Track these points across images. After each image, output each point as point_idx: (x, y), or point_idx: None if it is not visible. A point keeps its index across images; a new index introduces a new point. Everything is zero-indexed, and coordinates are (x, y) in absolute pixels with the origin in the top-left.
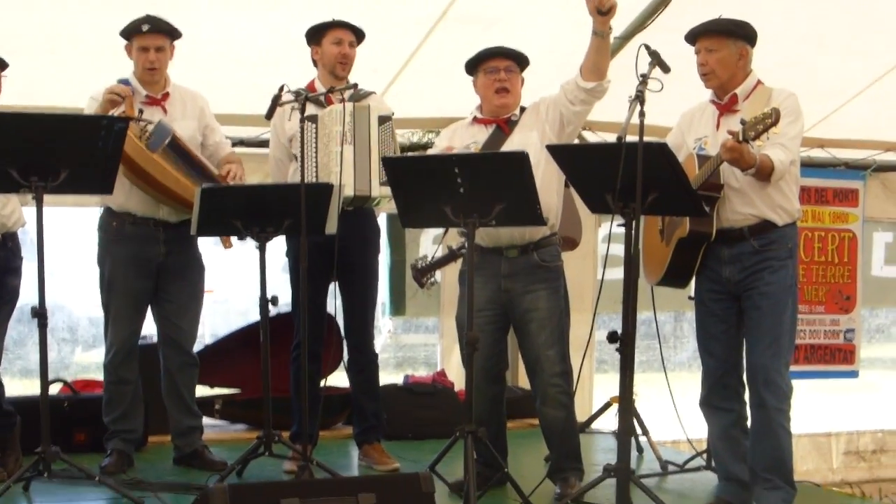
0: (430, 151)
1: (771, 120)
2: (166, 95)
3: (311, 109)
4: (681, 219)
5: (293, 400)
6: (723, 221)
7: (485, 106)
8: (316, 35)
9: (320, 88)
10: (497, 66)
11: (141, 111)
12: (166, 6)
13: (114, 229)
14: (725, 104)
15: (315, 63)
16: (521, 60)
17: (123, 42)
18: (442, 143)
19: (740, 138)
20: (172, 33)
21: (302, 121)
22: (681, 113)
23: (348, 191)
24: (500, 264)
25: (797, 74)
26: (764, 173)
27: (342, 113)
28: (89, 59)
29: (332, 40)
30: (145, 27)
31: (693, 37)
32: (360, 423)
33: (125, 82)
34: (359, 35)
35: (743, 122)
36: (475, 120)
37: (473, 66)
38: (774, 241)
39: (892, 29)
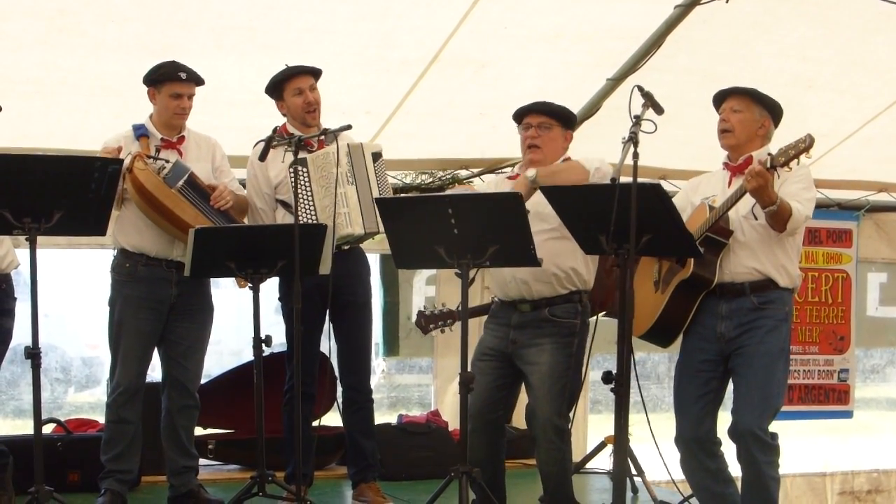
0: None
1: (805, 145)
2: (182, 139)
3: (282, 153)
4: (682, 263)
5: (286, 441)
6: (725, 274)
7: (523, 158)
8: (276, 90)
9: (295, 133)
10: (530, 122)
11: (158, 149)
12: (158, 49)
13: (126, 270)
14: (739, 165)
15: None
16: (557, 116)
17: (121, 83)
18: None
19: (768, 165)
20: (200, 82)
21: (294, 163)
22: (670, 158)
23: (358, 230)
24: (511, 316)
25: (789, 116)
26: (782, 216)
27: (337, 154)
28: (81, 100)
29: (293, 92)
30: (183, 75)
31: (721, 98)
32: (356, 462)
33: (139, 126)
34: (316, 74)
35: (770, 154)
36: (512, 175)
37: (517, 120)
38: (773, 301)
39: (884, 70)
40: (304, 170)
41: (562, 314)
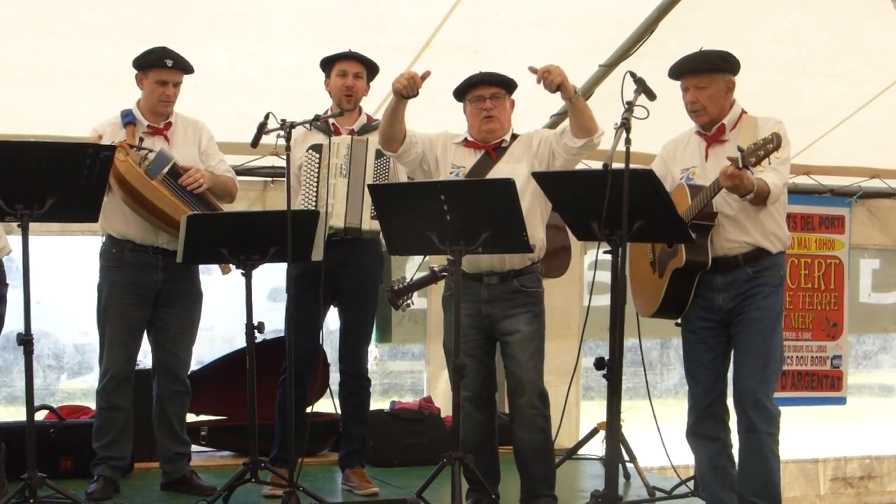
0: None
1: (772, 145)
2: (168, 125)
3: (318, 138)
4: (674, 249)
5: (276, 424)
6: (717, 250)
7: (472, 131)
8: (326, 66)
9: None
10: (482, 94)
11: (141, 139)
12: (150, 35)
13: (113, 256)
14: (713, 135)
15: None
16: (507, 86)
17: (113, 68)
18: (438, 140)
19: (740, 165)
20: (188, 70)
21: (288, 149)
22: (663, 144)
23: (338, 223)
24: (480, 290)
25: (782, 101)
26: (760, 197)
27: (339, 146)
28: (73, 86)
29: (338, 73)
30: (169, 62)
31: (678, 73)
32: (345, 446)
33: (127, 113)
34: (370, 66)
35: (741, 150)
36: (466, 143)
37: (461, 93)
38: (768, 269)
39: (877, 55)
40: (317, 155)
41: (529, 284)
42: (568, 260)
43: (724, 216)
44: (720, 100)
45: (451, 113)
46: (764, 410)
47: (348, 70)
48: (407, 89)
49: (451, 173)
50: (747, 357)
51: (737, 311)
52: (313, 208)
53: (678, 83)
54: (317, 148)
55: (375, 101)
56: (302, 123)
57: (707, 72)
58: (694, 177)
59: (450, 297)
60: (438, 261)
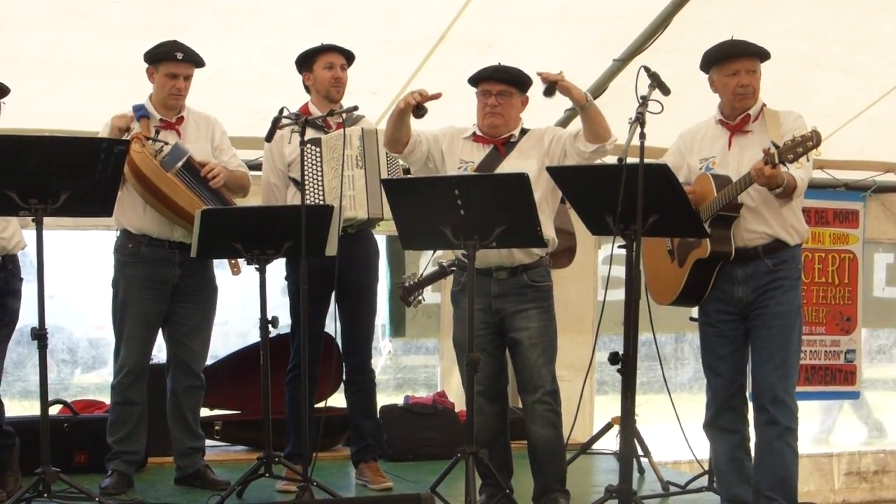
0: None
1: (812, 143)
2: (181, 119)
3: (309, 133)
4: (695, 239)
5: (287, 420)
6: (737, 240)
7: (478, 123)
8: (307, 61)
9: (315, 112)
10: (489, 89)
11: (157, 131)
12: (164, 29)
13: (129, 251)
14: (737, 124)
15: (307, 89)
16: (519, 83)
17: (126, 63)
18: (444, 135)
19: (776, 160)
20: (199, 63)
21: (302, 144)
22: (678, 134)
23: (362, 213)
24: (489, 285)
25: (795, 96)
26: (788, 192)
27: (351, 137)
28: (87, 81)
29: (324, 65)
30: (179, 55)
31: (733, 55)
32: (357, 442)
33: (140, 107)
34: (349, 57)
35: (776, 146)
36: (475, 137)
37: (474, 83)
38: (787, 261)
39: (890, 50)
40: (317, 149)
41: (538, 278)
42: (571, 258)
43: (746, 207)
44: (759, 87)
45: (464, 107)
46: (783, 405)
47: (335, 62)
48: (414, 106)
49: (459, 168)
50: (767, 352)
51: (756, 304)
52: (321, 202)
53: (692, 78)
54: (315, 142)
55: (380, 105)
56: (316, 118)
57: (758, 56)
58: (714, 166)
59: (458, 291)
60: (446, 256)
